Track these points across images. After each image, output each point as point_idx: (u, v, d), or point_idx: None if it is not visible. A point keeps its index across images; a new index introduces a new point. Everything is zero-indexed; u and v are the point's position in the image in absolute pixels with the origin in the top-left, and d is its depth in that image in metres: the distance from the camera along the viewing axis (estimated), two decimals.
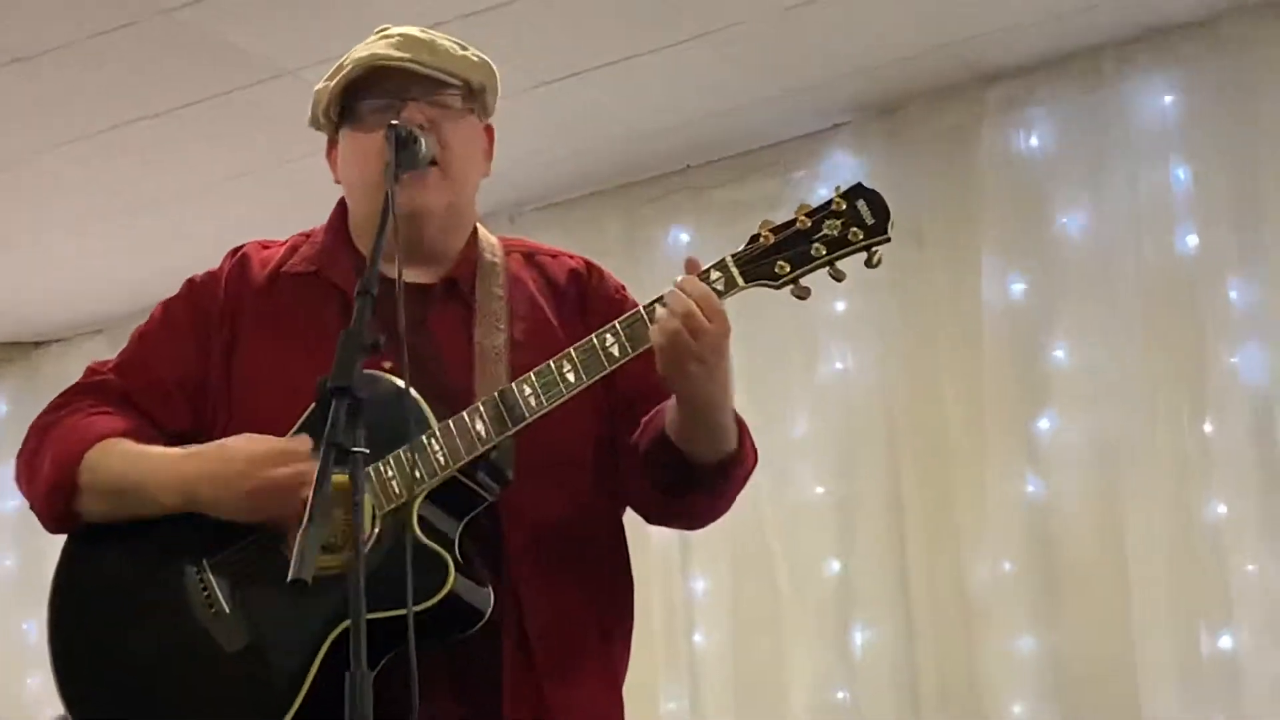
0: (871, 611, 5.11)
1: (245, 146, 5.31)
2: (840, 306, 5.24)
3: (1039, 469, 4.95)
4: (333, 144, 2.70)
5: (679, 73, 5.03)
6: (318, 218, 2.77)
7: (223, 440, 2.51)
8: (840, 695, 5.11)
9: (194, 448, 2.53)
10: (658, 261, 5.48)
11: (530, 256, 2.76)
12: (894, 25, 4.83)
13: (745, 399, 5.25)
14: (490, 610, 2.46)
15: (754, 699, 5.25)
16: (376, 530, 2.43)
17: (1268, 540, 4.59)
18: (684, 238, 5.56)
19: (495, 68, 2.71)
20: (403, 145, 2.48)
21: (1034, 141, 5.11)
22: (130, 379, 2.66)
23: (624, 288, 2.76)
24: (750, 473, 2.63)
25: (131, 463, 2.54)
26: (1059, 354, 4.98)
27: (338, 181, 2.70)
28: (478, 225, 2.73)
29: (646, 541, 4.91)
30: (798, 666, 5.17)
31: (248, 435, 2.48)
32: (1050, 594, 4.87)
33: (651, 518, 2.71)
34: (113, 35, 4.61)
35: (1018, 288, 5.06)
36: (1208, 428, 4.72)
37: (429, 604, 2.37)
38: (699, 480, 2.55)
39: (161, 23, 4.58)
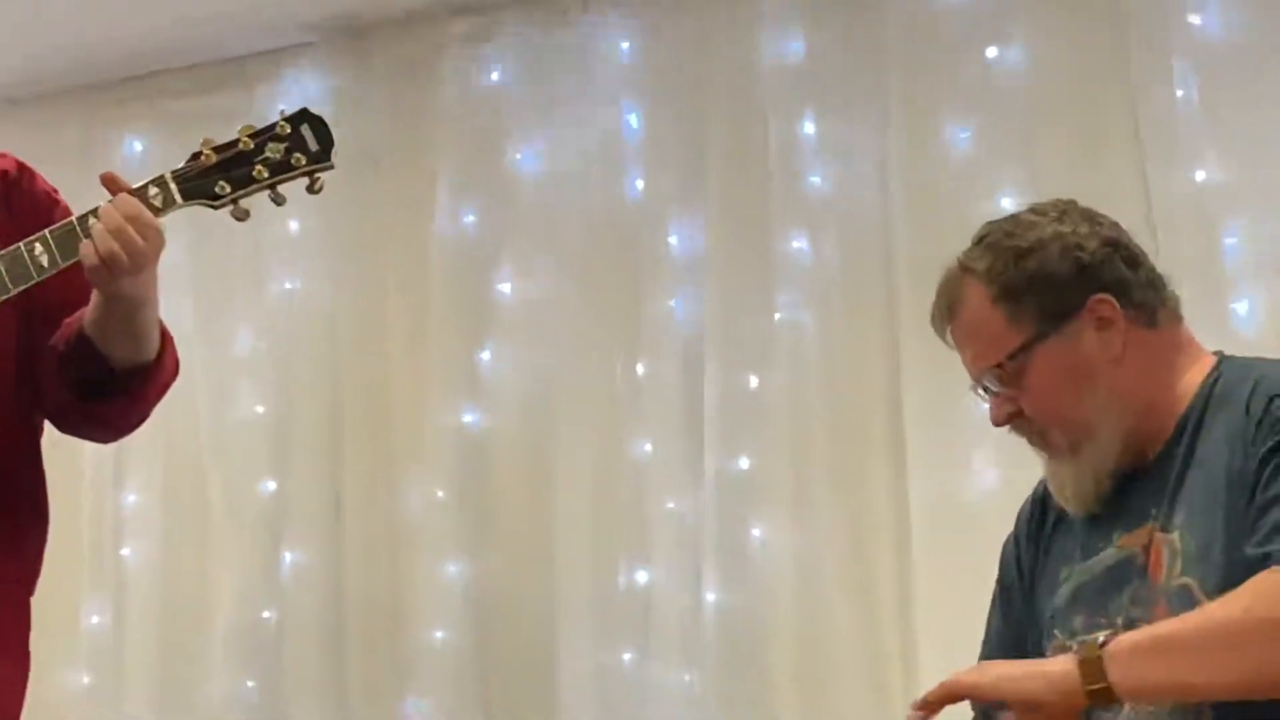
0: (302, 533, 5.11)
1: None
2: (293, 226, 5.21)
3: (477, 400, 5.03)
4: None
5: None
6: None
7: None
8: (265, 615, 5.11)
9: None
10: (113, 168, 5.31)
11: None
12: None
13: (191, 313, 5.23)
14: None
15: (179, 615, 5.20)
16: None
17: (688, 478, 4.77)
18: (139, 146, 5.44)
19: None
20: None
21: (494, 76, 5.15)
22: None
23: (56, 191, 2.70)
24: (169, 383, 2.62)
25: None
26: (504, 288, 5.05)
27: None
28: None
29: (79, 451, 4.83)
30: (225, 584, 5.15)
31: None
32: (479, 524, 4.96)
33: (65, 425, 2.66)
34: None
35: (469, 220, 5.12)
36: (640, 368, 4.87)
37: None
38: (116, 384, 2.53)
39: None
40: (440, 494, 4.98)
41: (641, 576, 4.78)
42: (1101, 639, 2.24)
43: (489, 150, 5.12)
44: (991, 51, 4.65)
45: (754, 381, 4.77)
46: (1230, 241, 4.38)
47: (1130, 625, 2.33)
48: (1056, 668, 2.23)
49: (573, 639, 4.77)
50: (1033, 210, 2.53)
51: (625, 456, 4.84)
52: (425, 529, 4.98)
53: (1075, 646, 2.25)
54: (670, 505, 4.77)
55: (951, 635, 4.20)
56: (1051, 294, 2.44)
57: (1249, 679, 2.16)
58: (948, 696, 2.31)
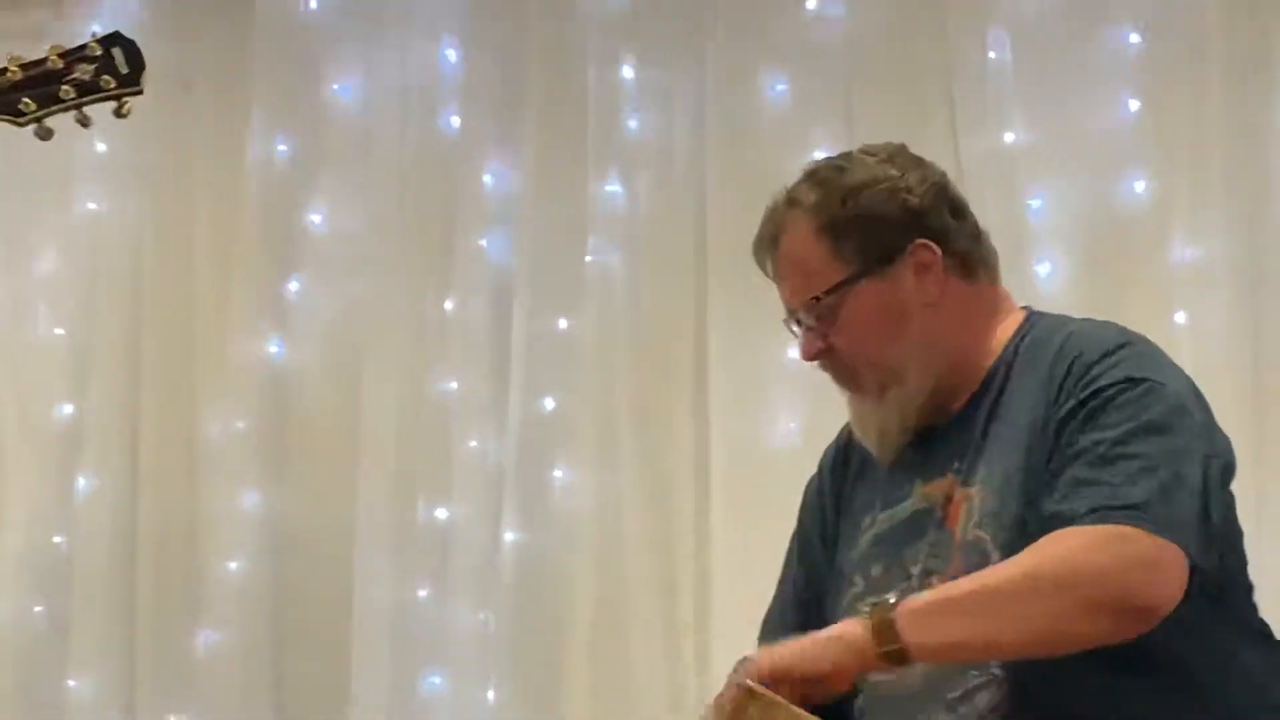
0: (98, 458, 5.03)
1: None
2: (101, 147, 5.10)
3: (283, 330, 4.99)
4: None
5: None
6: None
7: None
8: (56, 540, 5.03)
9: None
10: None
11: None
12: None
13: None
14: None
15: None
16: None
17: (492, 417, 4.78)
18: None
19: None
20: None
21: (313, 4, 5.09)
22: None
23: None
24: None
25: None
26: (315, 219, 5.01)
27: None
28: None
29: None
30: (16, 507, 5.05)
31: None
32: (280, 455, 4.92)
33: None
34: None
35: (282, 149, 5.05)
36: (449, 306, 4.86)
37: None
38: None
39: None
40: (240, 424, 4.93)
41: (441, 514, 4.78)
42: (892, 599, 2.24)
43: (305, 79, 5.07)
44: (811, 4, 4.70)
45: (563, 323, 4.79)
46: (1034, 203, 4.47)
47: (926, 575, 2.36)
48: (849, 632, 2.23)
49: (370, 574, 4.75)
50: (864, 150, 2.55)
51: (430, 393, 4.84)
52: (224, 458, 4.93)
53: (866, 609, 2.25)
54: (473, 444, 4.78)
55: (747, 581, 4.26)
56: (875, 234, 2.46)
57: (1037, 635, 2.20)
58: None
